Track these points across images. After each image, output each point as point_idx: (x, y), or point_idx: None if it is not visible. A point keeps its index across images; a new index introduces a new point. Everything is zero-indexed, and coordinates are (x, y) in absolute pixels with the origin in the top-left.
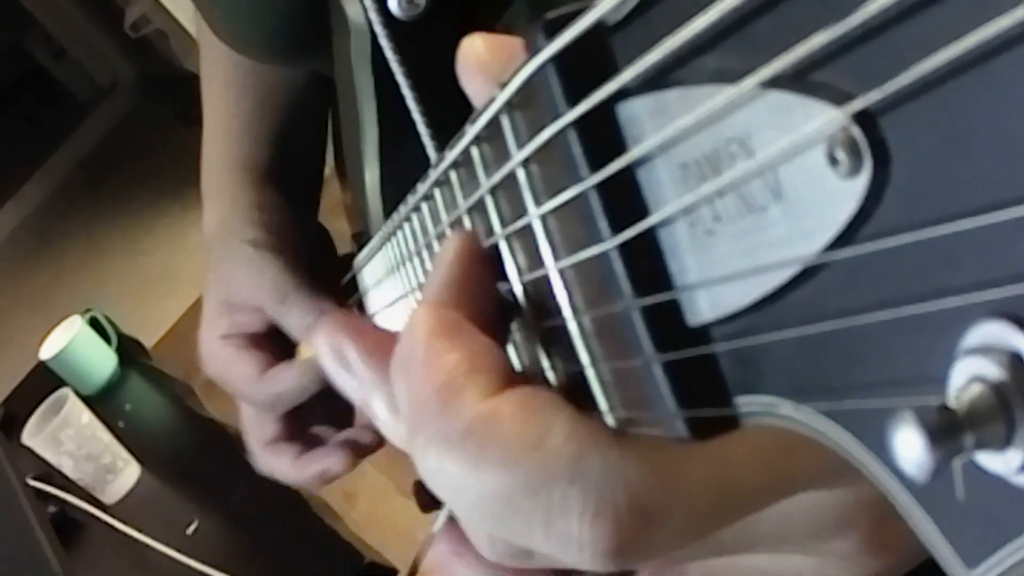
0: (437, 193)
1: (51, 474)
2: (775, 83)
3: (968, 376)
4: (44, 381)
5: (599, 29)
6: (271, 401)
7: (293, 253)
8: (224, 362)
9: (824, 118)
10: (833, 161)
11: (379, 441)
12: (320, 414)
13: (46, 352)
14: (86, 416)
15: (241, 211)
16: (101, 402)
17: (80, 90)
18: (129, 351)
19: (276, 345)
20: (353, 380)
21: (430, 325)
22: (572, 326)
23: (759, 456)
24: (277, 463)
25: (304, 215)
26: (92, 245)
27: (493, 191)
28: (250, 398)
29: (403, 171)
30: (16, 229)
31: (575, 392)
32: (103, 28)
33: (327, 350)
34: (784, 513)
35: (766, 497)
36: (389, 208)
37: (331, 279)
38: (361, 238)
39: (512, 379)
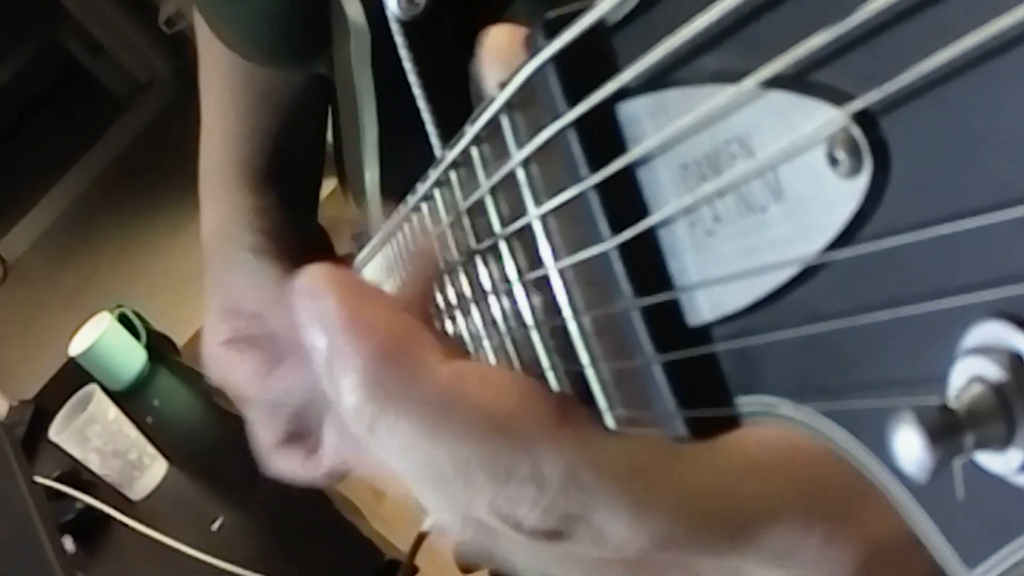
0: (437, 193)
1: (78, 471)
2: (775, 83)
3: (968, 376)
4: (74, 377)
5: (599, 29)
6: (278, 400)
7: (293, 258)
8: (228, 366)
9: (824, 118)
10: (833, 161)
11: None
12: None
13: (75, 348)
14: (113, 412)
15: (240, 216)
16: (130, 398)
17: (118, 86)
18: (159, 347)
19: (278, 349)
20: (322, 336)
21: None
22: (572, 326)
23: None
24: (288, 463)
25: (303, 217)
26: (127, 241)
27: (493, 191)
28: (256, 398)
29: (403, 171)
30: (52, 225)
31: (575, 392)
32: (138, 24)
33: (306, 298)
34: None
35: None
36: (389, 208)
37: None
38: (361, 238)
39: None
